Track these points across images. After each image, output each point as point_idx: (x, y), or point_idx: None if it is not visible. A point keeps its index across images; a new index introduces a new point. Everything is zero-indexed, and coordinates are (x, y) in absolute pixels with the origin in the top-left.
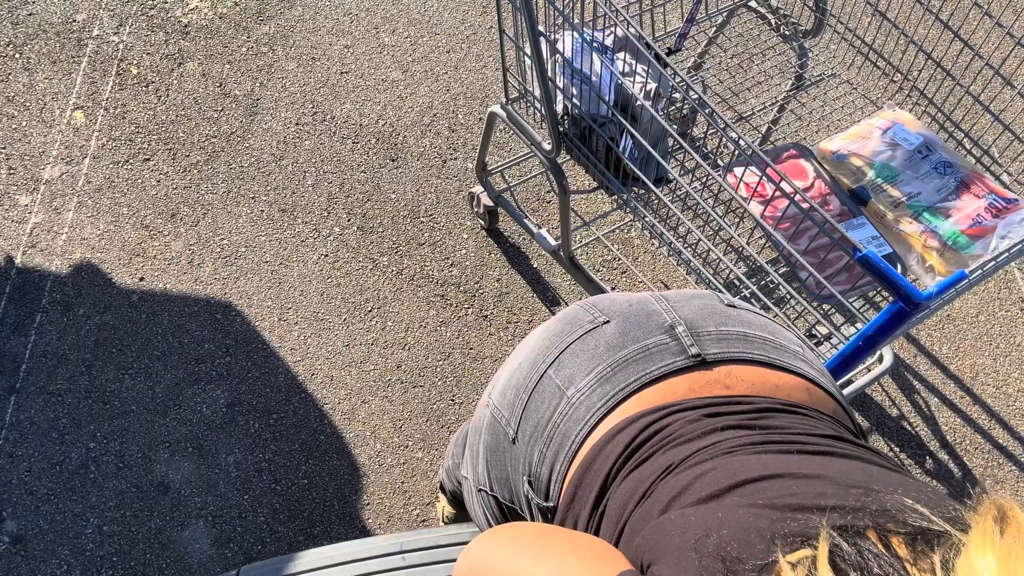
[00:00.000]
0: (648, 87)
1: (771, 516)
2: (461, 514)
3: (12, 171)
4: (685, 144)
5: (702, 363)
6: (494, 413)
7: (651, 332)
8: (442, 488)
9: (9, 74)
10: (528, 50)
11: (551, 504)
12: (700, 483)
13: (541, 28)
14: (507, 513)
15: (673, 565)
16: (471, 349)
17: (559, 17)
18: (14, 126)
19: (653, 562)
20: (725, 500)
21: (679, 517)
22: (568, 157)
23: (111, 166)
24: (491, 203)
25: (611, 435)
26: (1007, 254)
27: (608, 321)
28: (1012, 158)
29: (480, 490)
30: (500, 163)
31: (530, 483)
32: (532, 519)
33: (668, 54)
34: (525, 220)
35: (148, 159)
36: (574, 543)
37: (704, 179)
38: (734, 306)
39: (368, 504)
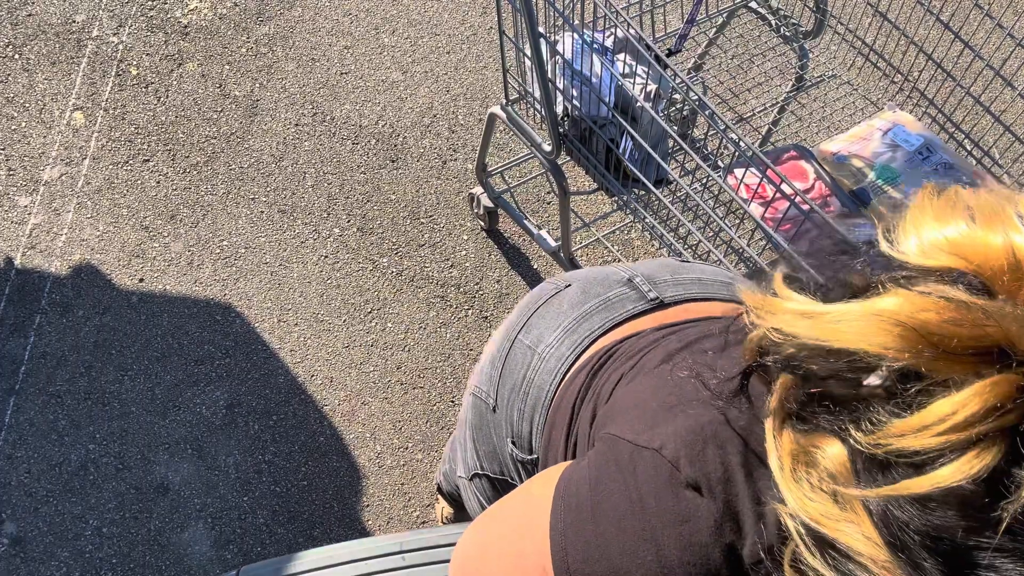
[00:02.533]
0: (648, 88)
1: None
2: (460, 514)
3: (11, 172)
4: (685, 145)
5: (660, 304)
6: (475, 392)
7: (611, 286)
8: (440, 490)
9: (8, 75)
10: (528, 51)
11: (534, 456)
12: (640, 369)
13: (541, 29)
14: (499, 489)
15: (620, 421)
16: (471, 350)
17: (559, 18)
18: (13, 127)
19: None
20: (658, 370)
21: (625, 392)
22: (568, 158)
23: (111, 167)
24: (491, 204)
25: (576, 372)
26: None
27: (569, 285)
28: (1013, 159)
29: (473, 476)
30: (500, 164)
31: (514, 443)
32: (521, 481)
33: (668, 55)
34: (525, 221)
35: (148, 160)
36: (512, 499)
37: (704, 180)
38: (689, 262)
39: (368, 505)
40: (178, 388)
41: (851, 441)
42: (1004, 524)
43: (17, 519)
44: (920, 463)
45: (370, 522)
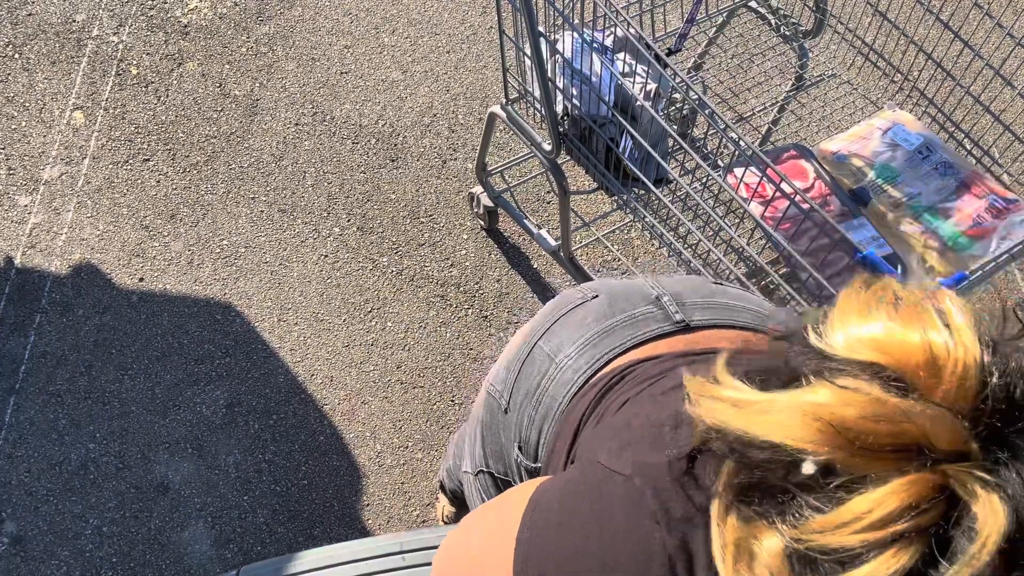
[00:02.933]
0: (648, 87)
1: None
2: (461, 513)
3: (11, 171)
4: (685, 145)
5: (686, 328)
6: (489, 391)
7: (638, 303)
8: (442, 487)
9: (9, 74)
10: (528, 51)
11: (538, 465)
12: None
13: (541, 29)
14: (502, 488)
15: (602, 440)
16: (471, 350)
17: (559, 18)
18: (13, 126)
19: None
20: (643, 395)
21: (620, 413)
22: (568, 158)
23: (111, 166)
24: (491, 203)
25: (589, 387)
26: (1007, 255)
27: (596, 296)
28: (1012, 159)
29: (478, 473)
30: (500, 164)
31: (520, 448)
32: None
33: (668, 54)
34: (525, 221)
35: (148, 159)
36: (497, 501)
37: (704, 180)
38: (720, 284)
39: (368, 505)
40: (178, 387)
41: (780, 534)
42: None
43: (17, 518)
44: (843, 560)
45: (370, 521)
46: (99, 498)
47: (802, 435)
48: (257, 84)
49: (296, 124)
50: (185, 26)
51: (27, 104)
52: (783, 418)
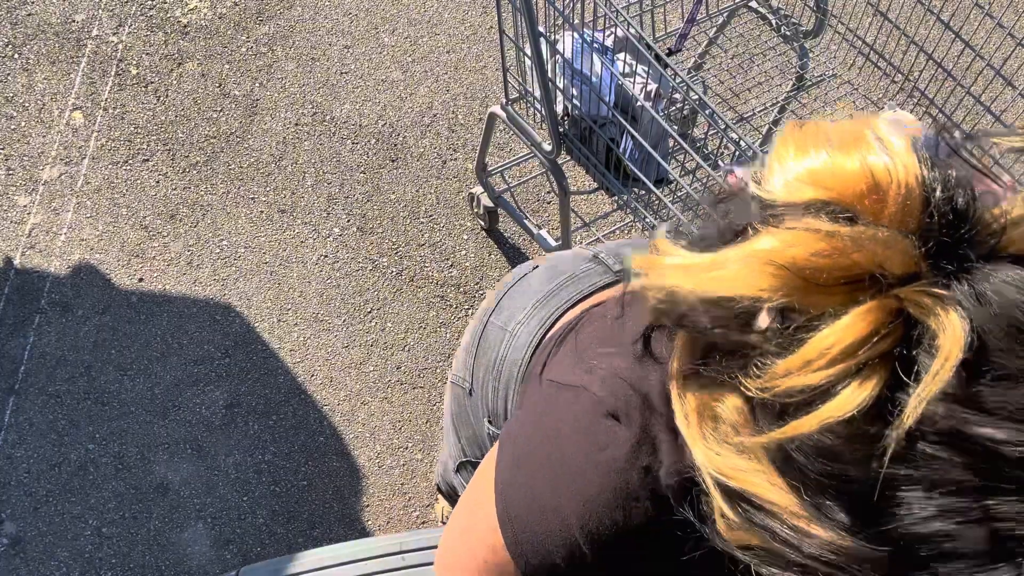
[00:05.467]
0: (648, 88)
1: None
2: None
3: (11, 172)
4: (685, 145)
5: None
6: (452, 380)
7: (578, 263)
8: (439, 489)
9: (8, 74)
10: (528, 51)
11: None
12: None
13: (541, 29)
14: None
15: (557, 365)
16: None
17: (559, 18)
18: (13, 127)
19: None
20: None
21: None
22: (568, 158)
23: (110, 167)
24: (491, 204)
25: (546, 343)
26: None
27: (538, 266)
28: (1014, 159)
29: (459, 466)
30: (500, 164)
31: (490, 421)
32: None
33: (668, 55)
34: (525, 221)
35: (147, 160)
36: (476, 475)
37: (705, 180)
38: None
39: (368, 506)
40: (177, 388)
41: (743, 389)
42: (890, 451)
43: (16, 519)
44: (809, 401)
45: (370, 522)
46: (98, 499)
47: (756, 283)
48: (257, 84)
49: (296, 124)
50: (185, 26)
51: (26, 104)
52: (735, 270)
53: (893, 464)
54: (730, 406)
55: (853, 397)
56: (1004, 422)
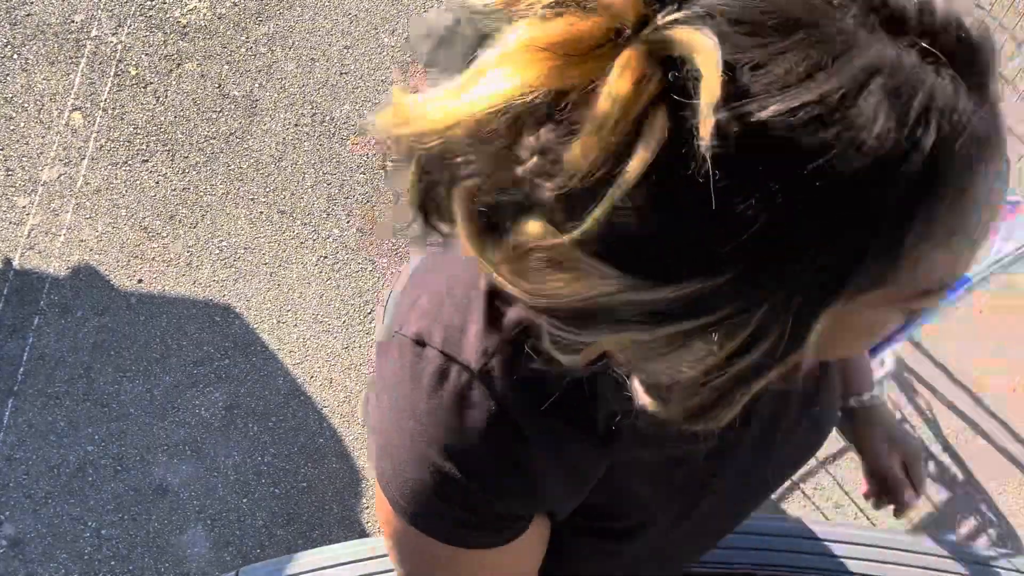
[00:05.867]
0: None
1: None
2: None
3: (10, 172)
4: None
5: None
6: None
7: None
8: None
9: (7, 75)
10: None
11: None
12: None
13: None
14: None
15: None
16: None
17: None
18: (12, 127)
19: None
20: None
21: None
22: None
23: (109, 167)
24: None
25: None
26: (1010, 257)
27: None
28: (1014, 160)
29: None
30: None
31: None
32: None
33: None
34: None
35: (147, 160)
36: None
37: None
38: None
39: (367, 507)
40: (177, 389)
41: (542, 203)
42: (708, 157)
43: (16, 521)
44: (614, 175)
45: (369, 524)
46: (98, 500)
47: (526, 75)
48: (256, 85)
49: (296, 125)
50: (184, 26)
51: (25, 105)
52: (503, 73)
53: (724, 193)
54: (533, 233)
55: (647, 145)
56: (778, 93)
